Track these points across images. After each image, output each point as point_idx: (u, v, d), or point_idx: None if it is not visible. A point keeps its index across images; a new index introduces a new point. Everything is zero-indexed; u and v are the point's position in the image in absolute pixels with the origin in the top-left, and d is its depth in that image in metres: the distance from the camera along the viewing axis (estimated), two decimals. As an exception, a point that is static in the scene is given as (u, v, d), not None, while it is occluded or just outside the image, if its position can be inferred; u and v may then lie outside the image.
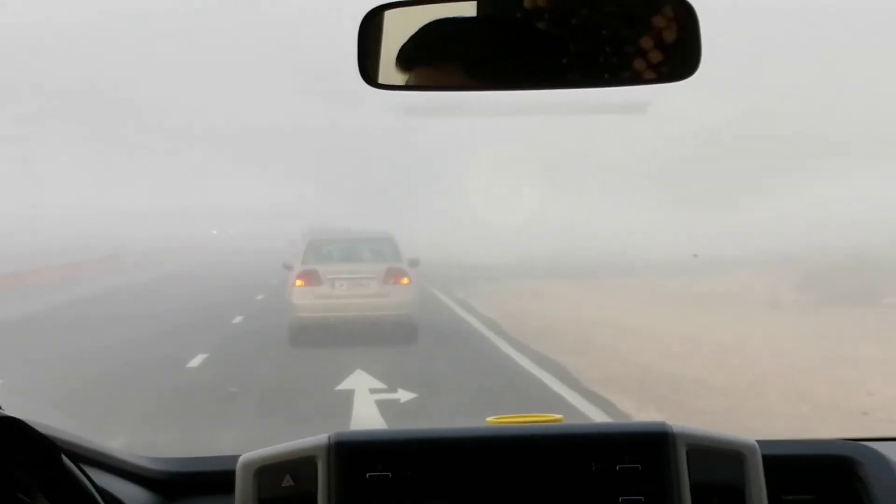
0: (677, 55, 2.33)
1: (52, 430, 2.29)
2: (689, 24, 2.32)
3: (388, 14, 2.33)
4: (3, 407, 2.26)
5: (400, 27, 2.33)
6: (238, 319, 24.54)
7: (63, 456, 2.20)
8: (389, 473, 2.43)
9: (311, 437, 2.49)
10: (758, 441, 2.54)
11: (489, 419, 2.67)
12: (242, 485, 2.46)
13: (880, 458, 2.76)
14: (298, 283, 20.65)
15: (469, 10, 2.32)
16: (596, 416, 13.86)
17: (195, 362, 18.02)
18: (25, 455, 2.15)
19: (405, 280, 20.80)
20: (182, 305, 29.48)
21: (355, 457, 2.43)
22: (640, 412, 14.13)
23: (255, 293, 32.37)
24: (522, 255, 50.69)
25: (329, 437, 2.46)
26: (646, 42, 2.31)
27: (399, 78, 2.35)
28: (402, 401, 14.45)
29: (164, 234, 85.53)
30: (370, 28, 2.33)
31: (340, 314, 20.39)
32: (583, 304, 29.44)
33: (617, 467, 2.45)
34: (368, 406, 14.02)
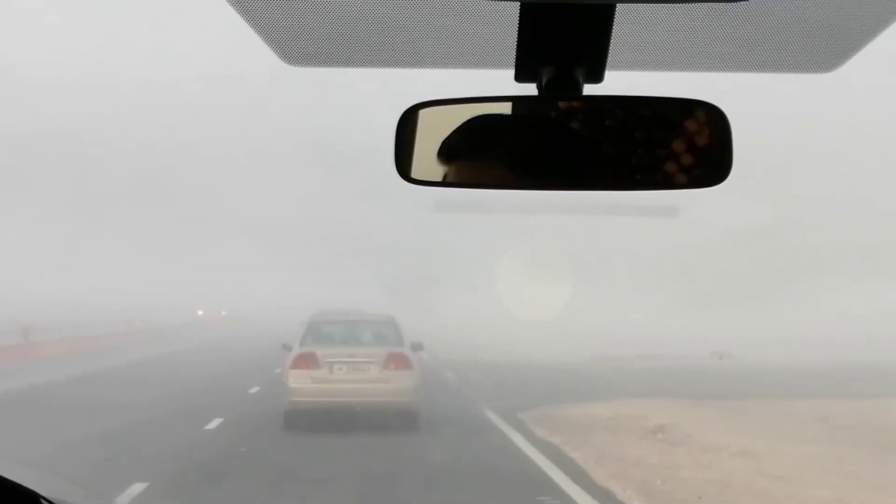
0: (708, 160, 2.36)
1: (39, 488, 2.29)
2: (720, 131, 2.35)
3: (423, 112, 2.37)
4: None
5: (435, 125, 2.37)
6: (214, 424, 20.23)
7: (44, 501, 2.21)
8: None
9: None
10: None
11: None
12: None
13: None
14: (295, 365, 19.84)
15: (504, 110, 2.36)
16: None
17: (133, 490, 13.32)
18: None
19: (408, 366, 19.93)
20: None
21: None
22: None
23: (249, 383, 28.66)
24: (569, 353, 46.18)
25: None
26: (677, 147, 2.34)
27: (433, 174, 2.39)
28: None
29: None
30: (407, 125, 2.37)
31: (338, 399, 19.54)
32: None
33: None
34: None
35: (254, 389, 27.27)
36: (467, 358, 41.37)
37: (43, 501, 2.27)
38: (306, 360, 19.73)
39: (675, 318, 77.58)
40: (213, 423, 20.26)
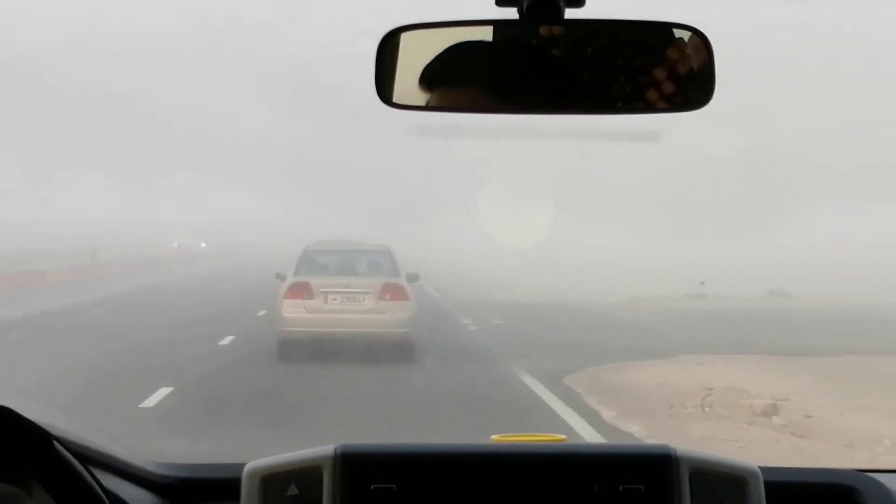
0: (691, 85, 2.36)
1: (53, 427, 2.30)
2: (703, 55, 2.35)
3: (404, 36, 2.36)
4: None
5: (416, 49, 2.36)
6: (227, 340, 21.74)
7: (59, 447, 2.22)
8: (394, 486, 2.45)
9: (317, 447, 2.51)
10: (761, 467, 2.56)
11: (493, 437, 2.69)
12: (248, 492, 2.48)
13: (882, 490, 2.77)
14: (289, 295, 19.48)
15: (485, 35, 2.35)
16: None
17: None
18: (17, 443, 2.16)
19: (403, 296, 19.55)
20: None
21: (360, 468, 2.46)
22: None
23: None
24: (593, 291, 39.30)
25: (335, 448, 2.48)
26: (659, 73, 2.34)
27: (415, 98, 2.38)
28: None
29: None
30: (387, 49, 2.36)
31: (332, 330, 19.14)
32: None
33: (620, 488, 2.46)
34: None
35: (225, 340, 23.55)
36: (478, 297, 36.46)
37: (55, 442, 2.27)
38: (300, 290, 19.43)
39: (667, 247, 77.62)
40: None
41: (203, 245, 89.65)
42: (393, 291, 19.52)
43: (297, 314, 19.18)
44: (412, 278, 20.50)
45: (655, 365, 19.50)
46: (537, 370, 18.16)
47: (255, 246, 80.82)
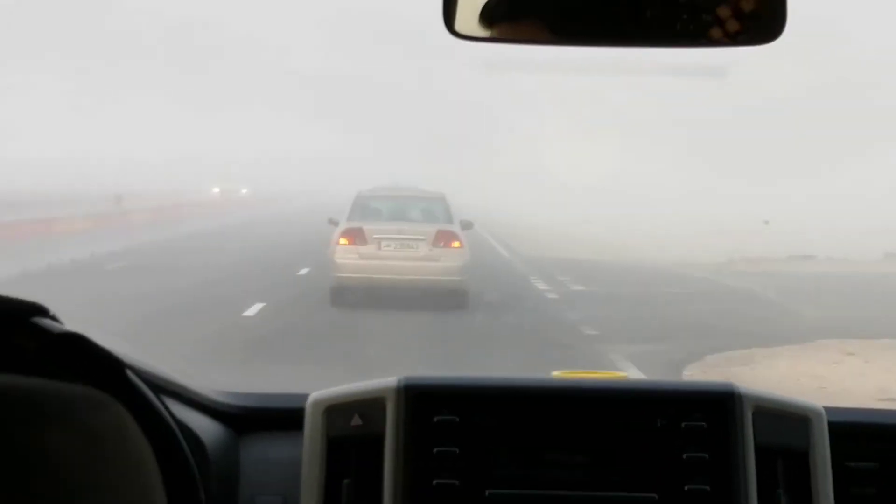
0: (760, 18, 2.32)
1: (126, 357, 2.33)
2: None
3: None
4: (64, 323, 2.31)
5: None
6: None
7: (133, 376, 2.25)
8: (457, 418, 2.46)
9: (381, 378, 2.52)
10: (825, 407, 2.55)
11: (555, 373, 2.69)
12: (312, 422, 2.50)
13: None
14: (342, 241, 19.26)
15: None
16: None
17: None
18: (89, 370, 2.19)
19: (457, 244, 19.31)
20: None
21: (423, 400, 2.46)
22: None
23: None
24: (684, 249, 33.49)
25: (398, 381, 2.49)
26: (725, 9, 2.31)
27: (481, 29, 2.37)
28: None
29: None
30: (455, -21, 2.35)
31: (385, 276, 18.98)
32: None
33: (682, 424, 2.45)
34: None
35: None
36: (550, 254, 31.63)
37: (128, 371, 2.29)
38: (353, 235, 19.34)
39: (741, 189, 76.81)
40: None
41: (244, 191, 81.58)
42: (446, 238, 19.39)
43: (349, 260, 19.10)
44: (466, 225, 20.39)
45: (792, 353, 15.78)
46: (647, 360, 14.44)
47: (305, 195, 73.73)
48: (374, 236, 19.21)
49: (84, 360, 2.20)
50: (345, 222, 19.80)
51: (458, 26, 2.34)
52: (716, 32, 2.30)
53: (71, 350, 2.14)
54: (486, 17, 2.34)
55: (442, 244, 19.23)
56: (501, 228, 40.78)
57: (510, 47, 2.41)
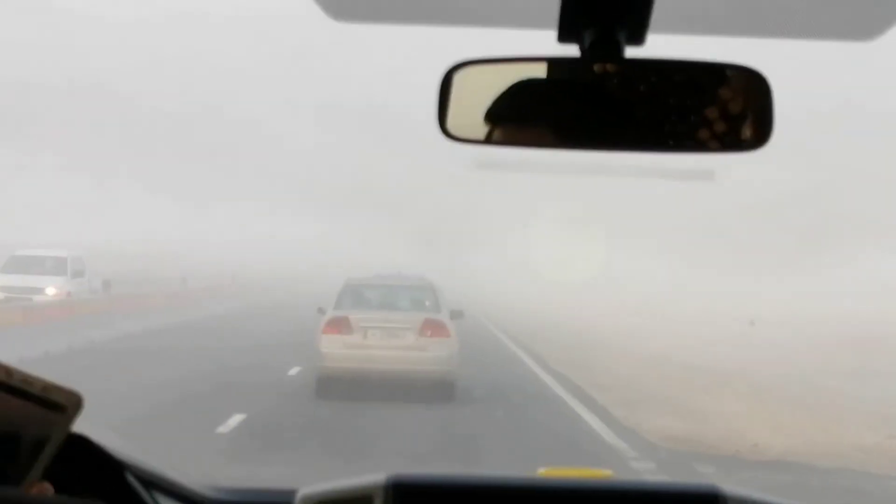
0: (748, 126, 2.37)
1: (119, 453, 2.35)
2: (761, 96, 2.35)
3: (466, 70, 2.40)
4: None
5: (478, 84, 2.40)
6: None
7: (130, 476, 2.27)
8: None
9: (369, 475, 2.53)
10: None
11: (541, 470, 2.70)
12: None
13: None
14: (327, 330, 19.02)
15: (546, 70, 2.38)
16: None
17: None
18: (92, 473, 2.21)
19: (445, 333, 18.96)
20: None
21: (411, 498, 2.47)
22: None
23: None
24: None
25: (387, 478, 2.50)
26: (711, 112, 2.35)
27: (474, 132, 2.41)
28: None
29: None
30: (450, 83, 2.40)
31: (371, 366, 18.60)
32: None
33: None
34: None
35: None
36: (567, 357, 27.19)
37: (128, 474, 2.32)
38: (339, 325, 19.02)
39: (713, 279, 77.02)
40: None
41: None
42: (434, 328, 19.03)
43: (335, 349, 18.78)
44: (456, 315, 20.06)
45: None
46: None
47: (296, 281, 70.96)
48: (361, 325, 18.88)
49: (88, 461, 2.22)
50: (331, 311, 19.53)
51: (452, 129, 2.39)
52: (705, 139, 2.35)
53: (76, 452, 2.17)
54: (483, 121, 2.39)
55: (429, 333, 18.86)
56: (507, 320, 41.21)
57: (501, 150, 2.46)
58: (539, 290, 69.70)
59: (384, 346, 18.89)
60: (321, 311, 20.30)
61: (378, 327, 19.03)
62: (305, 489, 2.55)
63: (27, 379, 1.57)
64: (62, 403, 1.56)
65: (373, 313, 19.47)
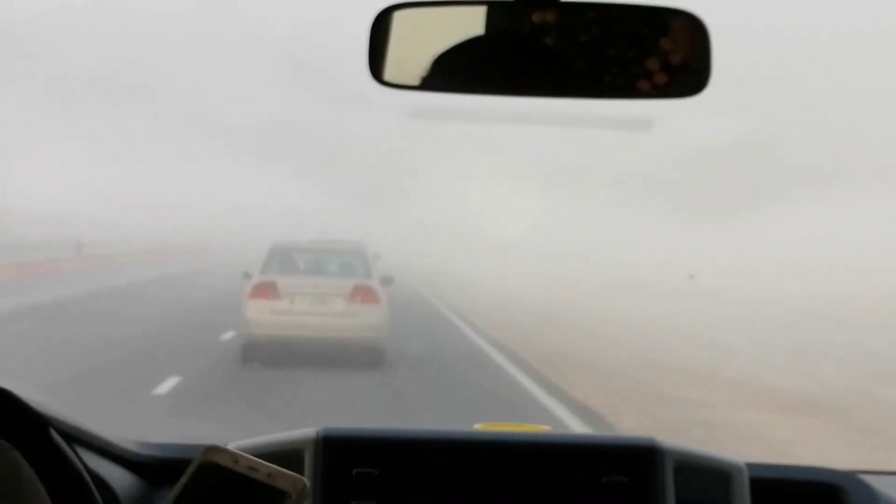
0: (686, 72, 2.33)
1: (44, 407, 2.30)
2: (699, 42, 2.31)
3: (398, 14, 2.34)
4: None
5: (410, 28, 2.34)
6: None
7: (52, 431, 2.22)
8: (376, 471, 2.42)
9: (299, 429, 2.49)
10: (746, 463, 2.54)
11: (477, 426, 2.67)
12: None
13: (868, 490, 2.74)
14: (254, 295, 18.40)
15: (481, 14, 2.33)
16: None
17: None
18: (14, 427, 2.15)
19: (374, 299, 18.45)
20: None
21: (342, 452, 2.43)
22: None
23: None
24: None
25: (317, 432, 2.46)
26: (653, 59, 2.31)
27: (407, 77, 2.36)
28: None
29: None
30: (381, 27, 2.33)
31: (298, 333, 18.13)
32: None
33: (603, 479, 2.44)
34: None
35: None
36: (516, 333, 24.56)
37: (52, 430, 2.27)
38: (266, 290, 18.43)
39: (653, 231, 77.52)
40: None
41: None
42: (364, 294, 18.51)
43: (261, 315, 18.15)
44: (386, 281, 19.62)
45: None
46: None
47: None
48: (288, 290, 18.41)
49: (10, 415, 2.17)
50: (257, 276, 18.97)
51: (384, 75, 2.33)
52: (644, 85, 2.31)
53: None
54: (416, 65, 2.33)
55: (359, 300, 18.46)
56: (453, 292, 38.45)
57: (438, 96, 2.40)
58: (474, 245, 69.78)
59: (312, 312, 18.34)
60: (247, 275, 19.57)
61: (306, 293, 18.47)
62: (233, 444, 2.50)
63: (252, 465, 1.56)
64: (287, 491, 1.54)
65: (301, 278, 18.93)
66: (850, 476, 2.80)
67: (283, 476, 1.53)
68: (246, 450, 2.49)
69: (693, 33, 2.31)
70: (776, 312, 31.12)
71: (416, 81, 2.34)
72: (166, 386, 14.85)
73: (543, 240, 74.06)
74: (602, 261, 57.86)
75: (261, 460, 1.55)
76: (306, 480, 1.52)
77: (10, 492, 1.62)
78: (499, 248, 66.67)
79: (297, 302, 18.35)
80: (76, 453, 2.33)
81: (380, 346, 18.30)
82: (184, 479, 1.60)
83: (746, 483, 2.51)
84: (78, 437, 2.48)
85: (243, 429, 12.47)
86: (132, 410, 13.03)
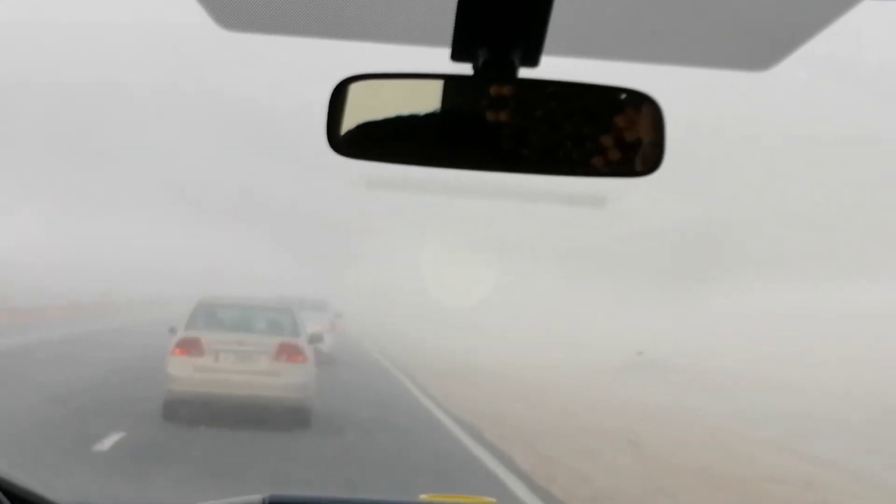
0: (640, 150, 2.35)
1: None
2: (654, 123, 2.34)
3: (357, 85, 2.35)
4: None
5: (368, 99, 2.35)
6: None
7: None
8: None
9: (246, 495, 2.48)
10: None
11: (423, 496, 2.66)
12: None
13: None
14: (176, 351, 17.91)
15: (438, 88, 2.35)
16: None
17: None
18: None
19: (300, 358, 18.01)
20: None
21: None
22: None
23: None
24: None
25: (263, 499, 2.45)
26: (608, 138, 2.33)
27: (364, 147, 2.37)
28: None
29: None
30: (339, 97, 2.35)
31: (221, 391, 17.66)
32: None
33: None
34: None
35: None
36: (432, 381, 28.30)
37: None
38: (189, 346, 17.95)
39: (601, 308, 77.85)
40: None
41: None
42: (290, 352, 18.08)
43: (184, 372, 17.69)
44: (314, 339, 19.41)
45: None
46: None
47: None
48: (212, 347, 17.95)
49: None
50: (182, 331, 18.45)
51: (342, 144, 2.34)
52: (598, 162, 2.33)
53: None
54: (373, 137, 2.35)
55: (285, 358, 17.99)
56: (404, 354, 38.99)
57: (394, 167, 2.41)
58: (423, 313, 69.77)
59: (236, 370, 17.89)
60: (173, 330, 19.15)
61: (231, 350, 18.03)
62: None
63: None
64: None
65: (226, 335, 18.40)
66: None
67: None
68: None
69: (649, 114, 2.34)
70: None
71: (372, 152, 2.36)
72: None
73: (492, 307, 74.14)
74: (551, 330, 58.08)
75: None
76: None
77: None
78: (448, 314, 66.66)
79: (222, 359, 17.93)
80: None
81: (305, 405, 17.94)
82: None
83: None
84: (19, 496, 2.46)
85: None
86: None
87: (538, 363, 36.95)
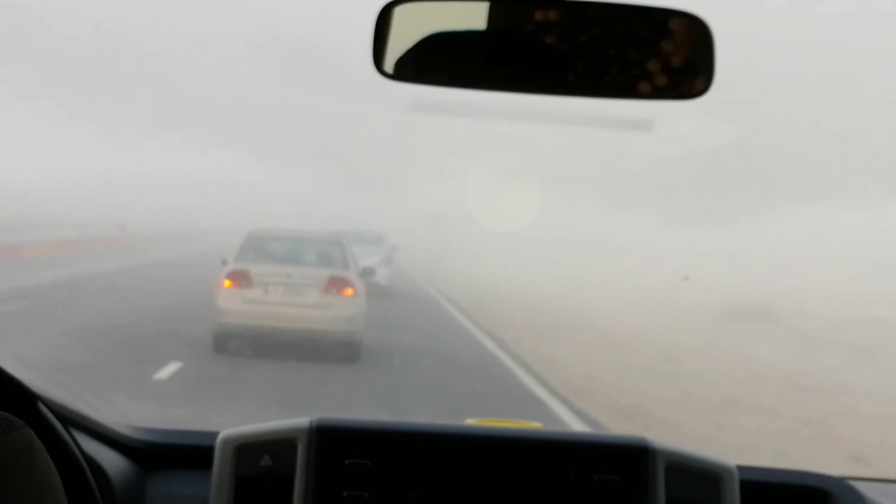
0: (689, 74, 2.33)
1: (37, 388, 2.29)
2: (703, 44, 2.31)
3: (403, 8, 2.34)
4: None
5: (414, 22, 2.34)
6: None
7: (41, 405, 2.22)
8: (368, 462, 2.43)
9: (293, 418, 2.49)
10: (737, 465, 2.54)
11: (469, 420, 2.67)
12: (221, 461, 2.45)
13: (856, 496, 2.75)
14: (226, 283, 17.87)
15: (482, 11, 2.33)
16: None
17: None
18: (4, 403, 2.15)
19: (350, 291, 17.88)
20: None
21: (335, 442, 2.43)
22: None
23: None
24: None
25: (311, 421, 2.46)
26: (656, 60, 2.30)
27: (409, 70, 2.36)
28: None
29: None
30: (385, 20, 2.34)
31: (270, 324, 17.67)
32: None
33: (595, 477, 2.44)
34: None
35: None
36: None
37: (40, 404, 2.26)
38: (239, 278, 17.88)
39: (650, 232, 77.48)
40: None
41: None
42: (339, 285, 17.96)
43: (233, 304, 17.63)
44: (366, 272, 19.31)
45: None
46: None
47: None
48: (262, 279, 17.88)
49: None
50: (231, 263, 18.42)
51: (387, 67, 2.33)
52: (645, 86, 2.31)
53: None
54: (418, 59, 2.33)
55: (334, 291, 17.92)
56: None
57: (438, 90, 2.40)
58: (472, 239, 69.66)
59: (285, 302, 17.82)
60: (225, 262, 19.03)
61: (280, 282, 17.95)
62: (227, 431, 2.50)
63: None
64: None
65: (276, 267, 18.33)
66: (840, 482, 2.81)
67: None
68: (240, 438, 2.50)
69: (697, 35, 2.30)
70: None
71: (417, 75, 2.35)
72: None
73: (540, 234, 74.02)
74: (595, 257, 57.88)
75: None
76: None
77: (24, 470, 1.62)
78: (495, 241, 66.62)
79: (271, 291, 17.89)
80: (70, 434, 2.33)
81: (354, 339, 17.83)
82: None
83: (737, 485, 2.51)
84: (71, 418, 2.49)
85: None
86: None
87: (613, 304, 34.73)
